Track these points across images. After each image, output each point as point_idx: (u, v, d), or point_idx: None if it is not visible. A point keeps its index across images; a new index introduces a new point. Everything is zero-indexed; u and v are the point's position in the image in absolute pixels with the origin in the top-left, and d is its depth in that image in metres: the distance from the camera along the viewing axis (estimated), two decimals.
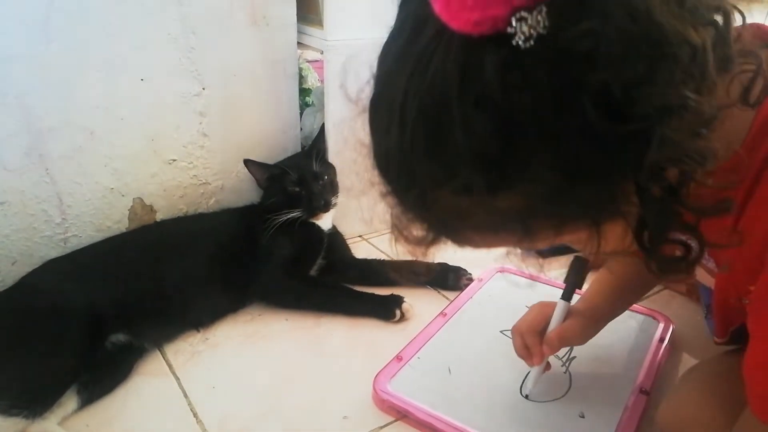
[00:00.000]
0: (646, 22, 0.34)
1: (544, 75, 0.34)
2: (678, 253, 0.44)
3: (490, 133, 0.35)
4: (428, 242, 0.46)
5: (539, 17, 0.33)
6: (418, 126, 0.37)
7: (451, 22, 0.34)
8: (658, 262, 0.43)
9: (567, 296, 0.77)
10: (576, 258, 0.76)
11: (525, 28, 0.33)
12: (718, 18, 0.38)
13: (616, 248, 0.44)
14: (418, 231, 0.45)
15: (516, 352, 0.81)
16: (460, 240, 0.45)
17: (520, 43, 0.33)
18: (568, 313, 0.78)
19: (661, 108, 0.34)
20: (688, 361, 0.93)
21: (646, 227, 0.41)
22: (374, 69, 0.43)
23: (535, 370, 0.81)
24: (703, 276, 0.63)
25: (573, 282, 0.76)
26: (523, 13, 0.33)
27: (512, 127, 0.35)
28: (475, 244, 0.46)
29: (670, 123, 0.35)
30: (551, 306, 0.79)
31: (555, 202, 0.38)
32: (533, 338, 0.79)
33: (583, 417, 0.79)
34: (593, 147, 0.35)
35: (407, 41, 0.38)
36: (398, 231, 0.46)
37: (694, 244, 0.43)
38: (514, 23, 0.33)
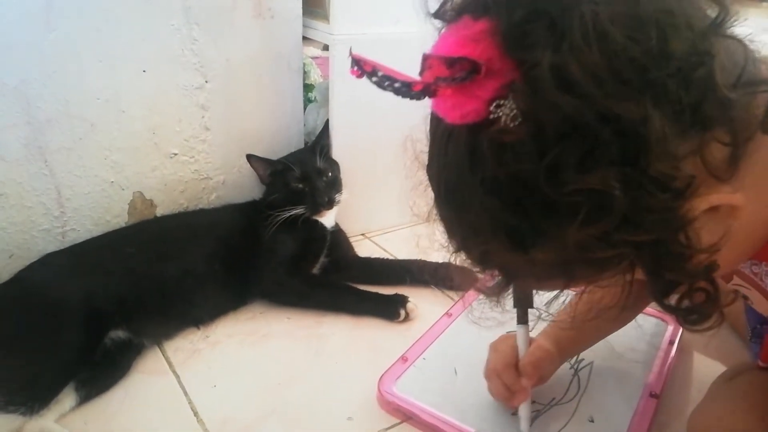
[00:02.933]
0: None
1: (533, 146, 0.36)
2: (698, 299, 0.43)
3: (500, 207, 0.39)
4: (503, 288, 0.49)
5: (513, 101, 0.36)
6: (446, 202, 0.44)
7: (446, 118, 0.39)
8: (682, 315, 0.44)
9: (522, 320, 0.72)
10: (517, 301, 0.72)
11: (507, 111, 0.36)
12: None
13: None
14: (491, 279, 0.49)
15: (496, 397, 0.77)
16: (522, 285, 0.52)
17: (508, 123, 0.36)
18: (535, 338, 0.77)
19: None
20: (698, 365, 0.92)
21: (655, 278, 0.42)
22: None
23: (524, 407, 0.75)
24: (760, 302, 0.60)
25: (523, 303, 0.70)
26: (499, 101, 0.36)
27: (518, 199, 0.38)
28: (536, 288, 0.53)
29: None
30: (513, 337, 0.76)
31: (586, 252, 0.39)
32: (512, 375, 0.75)
33: (592, 421, 0.78)
34: (599, 204, 0.37)
35: (435, 125, 0.43)
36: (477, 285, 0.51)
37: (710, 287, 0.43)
38: (492, 110, 0.36)
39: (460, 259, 0.48)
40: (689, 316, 0.45)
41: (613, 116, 0.35)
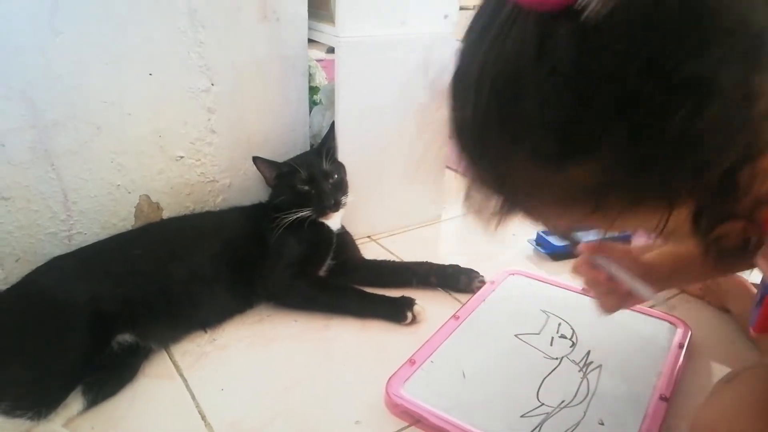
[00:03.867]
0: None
1: (618, 45, 0.34)
2: (736, 241, 0.43)
3: (562, 101, 0.36)
4: (503, 215, 0.46)
5: None
6: (493, 96, 0.39)
7: (523, 1, 0.36)
8: (715, 250, 0.43)
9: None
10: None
11: (594, 2, 0.34)
12: None
13: (677, 230, 0.43)
14: (491, 206, 0.46)
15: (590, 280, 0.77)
16: (534, 213, 0.46)
17: (590, 16, 0.34)
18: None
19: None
20: (707, 367, 0.91)
21: (704, 213, 0.40)
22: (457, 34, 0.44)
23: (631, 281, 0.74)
24: None
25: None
26: None
27: (585, 97, 0.36)
28: (548, 218, 0.47)
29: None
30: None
31: (630, 176, 0.37)
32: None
33: (602, 424, 0.77)
34: (673, 120, 0.35)
35: (488, 18, 0.39)
36: (470, 206, 0.47)
37: (754, 233, 0.42)
38: None
39: (469, 178, 0.45)
40: (728, 257, 0.44)
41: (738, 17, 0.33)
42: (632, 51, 0.34)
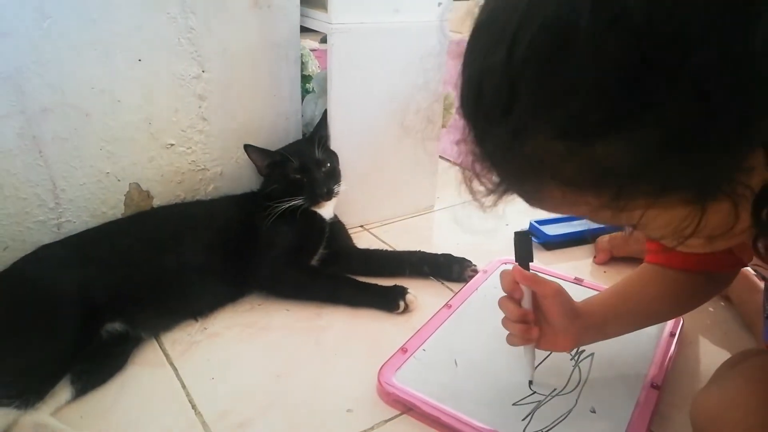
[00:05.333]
0: None
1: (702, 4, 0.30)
2: None
3: (621, 59, 0.31)
4: (499, 195, 0.42)
5: None
6: (535, 43, 0.33)
7: None
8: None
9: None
10: (516, 234, 0.72)
11: None
12: None
13: (713, 232, 0.39)
14: (489, 181, 0.42)
15: (510, 324, 0.75)
16: (535, 196, 0.41)
17: None
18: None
19: None
20: (699, 356, 0.91)
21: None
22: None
23: (527, 350, 0.78)
24: None
25: (522, 260, 0.72)
26: None
27: (646, 58, 0.31)
28: (549, 203, 0.42)
29: None
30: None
31: (665, 159, 0.33)
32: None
33: (594, 412, 0.77)
34: (739, 95, 0.31)
35: None
36: (469, 179, 0.43)
37: None
38: None
39: (462, 147, 0.41)
40: None
41: None
42: (714, 15, 0.30)
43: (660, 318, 0.87)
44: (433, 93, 1.29)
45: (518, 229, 0.72)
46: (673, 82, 0.31)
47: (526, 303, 0.73)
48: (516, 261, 0.72)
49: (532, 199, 0.42)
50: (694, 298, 0.80)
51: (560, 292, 0.72)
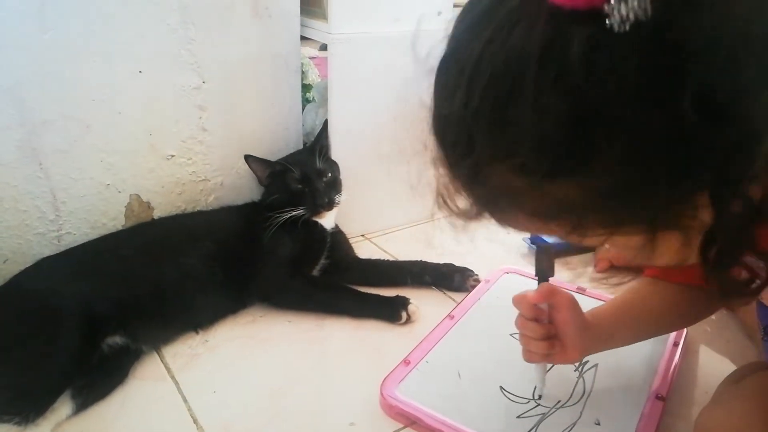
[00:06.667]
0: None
1: (636, 62, 0.31)
2: (743, 276, 0.41)
3: (562, 114, 0.33)
4: (471, 216, 0.44)
5: (643, 2, 0.31)
6: (487, 94, 0.35)
7: None
8: (721, 283, 0.41)
9: None
10: (538, 249, 0.75)
11: (624, 11, 0.31)
12: None
13: (669, 261, 0.42)
14: (462, 203, 0.44)
15: (527, 339, 0.76)
16: (505, 220, 0.44)
17: (615, 24, 0.31)
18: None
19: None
20: (703, 366, 0.91)
21: (715, 244, 0.38)
22: (449, 29, 0.41)
23: (538, 368, 0.78)
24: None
25: (542, 274, 0.73)
26: None
27: (588, 113, 0.33)
28: (520, 227, 0.44)
29: None
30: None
31: (615, 201, 0.36)
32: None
33: (598, 424, 0.76)
34: (675, 149, 0.33)
35: (492, 5, 0.36)
36: (442, 199, 0.45)
37: (761, 268, 0.41)
38: (612, 2, 0.31)
39: (435, 171, 0.44)
40: (730, 287, 0.42)
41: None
42: (653, 71, 0.31)
43: (666, 329, 0.87)
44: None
45: (540, 243, 0.73)
46: (612, 137, 0.33)
47: (545, 318, 0.73)
48: (536, 275, 0.73)
49: (503, 223, 0.45)
50: (696, 309, 0.80)
51: (575, 304, 0.73)
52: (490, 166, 0.38)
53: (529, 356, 0.75)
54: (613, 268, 1.17)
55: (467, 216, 0.45)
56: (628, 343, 0.80)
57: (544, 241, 1.22)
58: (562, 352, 0.74)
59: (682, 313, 0.79)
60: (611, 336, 0.77)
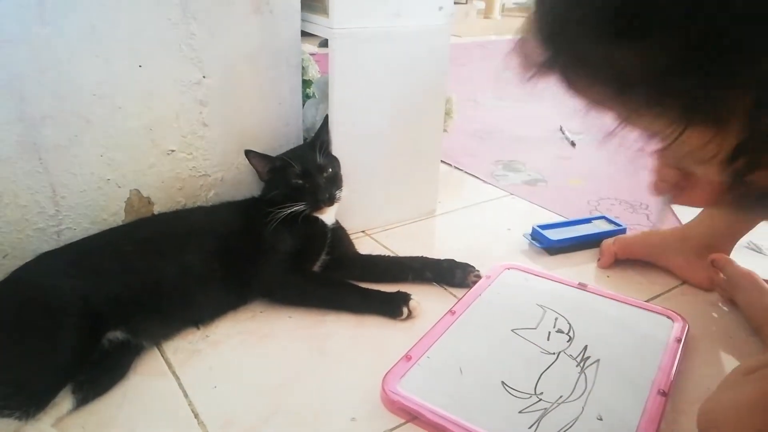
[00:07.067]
0: None
1: None
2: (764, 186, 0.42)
3: None
4: (541, 71, 0.46)
5: None
6: None
7: None
8: (740, 192, 0.43)
9: None
10: None
11: None
12: None
13: (690, 154, 0.43)
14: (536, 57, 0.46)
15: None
16: (568, 76, 0.46)
17: None
18: None
19: None
20: (705, 361, 0.91)
21: (745, 152, 0.39)
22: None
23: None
24: None
25: None
26: None
27: None
28: (591, 96, 0.46)
29: None
30: None
31: (677, 79, 0.37)
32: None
33: (601, 419, 0.76)
34: (743, 34, 0.34)
35: None
36: (518, 52, 0.48)
37: None
38: None
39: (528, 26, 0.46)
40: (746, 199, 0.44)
41: None
42: None
43: None
44: (434, 97, 1.28)
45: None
46: (672, 15, 0.35)
47: None
48: None
49: (576, 88, 0.46)
50: None
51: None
52: (568, 24, 0.41)
53: (656, 186, 0.76)
54: (619, 264, 1.17)
55: (540, 70, 0.46)
56: None
57: (547, 239, 1.22)
58: (695, 191, 0.75)
59: None
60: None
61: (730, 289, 1.03)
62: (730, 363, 0.91)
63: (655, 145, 0.44)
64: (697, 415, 0.68)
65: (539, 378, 0.83)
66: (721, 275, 1.04)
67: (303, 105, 1.28)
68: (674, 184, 0.74)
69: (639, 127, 0.44)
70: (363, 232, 1.30)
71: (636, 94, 0.40)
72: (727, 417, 0.64)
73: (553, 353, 0.88)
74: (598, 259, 1.19)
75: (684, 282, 1.11)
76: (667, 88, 0.38)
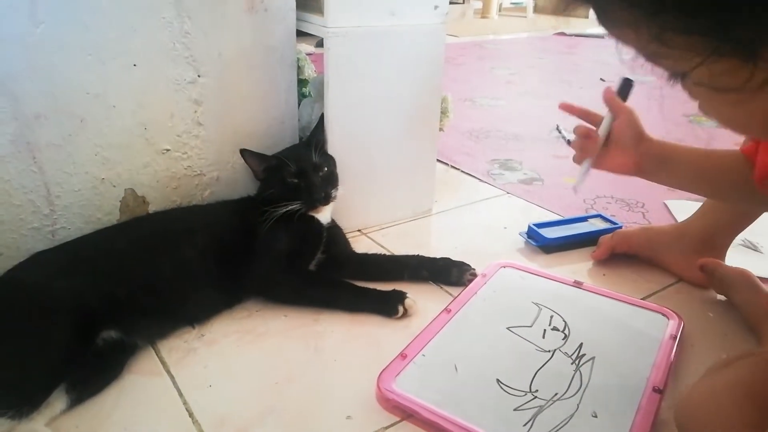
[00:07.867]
0: None
1: None
2: None
3: None
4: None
5: None
6: None
7: None
8: None
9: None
10: (624, 79, 0.89)
11: None
12: None
13: (717, 81, 0.42)
14: None
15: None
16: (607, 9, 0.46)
17: None
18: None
19: None
20: (700, 359, 0.91)
21: None
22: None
23: (585, 163, 0.94)
24: None
25: (621, 94, 0.89)
26: None
27: None
28: (618, 19, 0.45)
29: None
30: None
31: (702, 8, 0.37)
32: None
33: (596, 417, 0.76)
34: None
35: None
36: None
37: None
38: None
39: None
40: None
41: None
42: None
43: (702, 188, 0.94)
44: (429, 96, 1.28)
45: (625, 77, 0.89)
46: None
47: (603, 129, 0.90)
48: (617, 93, 0.89)
49: (604, 15, 0.46)
50: (743, 192, 0.85)
51: (632, 113, 0.88)
52: None
53: (575, 156, 0.93)
54: (614, 263, 1.17)
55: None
56: (675, 184, 0.94)
57: (542, 237, 1.22)
58: (613, 159, 0.85)
59: (732, 182, 0.85)
60: (663, 160, 0.86)
61: (725, 289, 1.03)
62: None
63: (682, 67, 0.43)
64: (675, 410, 0.69)
65: (534, 375, 0.83)
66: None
67: (299, 104, 1.28)
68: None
69: (665, 55, 0.44)
70: (359, 230, 1.30)
71: (668, 15, 0.40)
72: (702, 400, 0.65)
73: (549, 351, 0.89)
74: (593, 252, 1.19)
75: (679, 279, 1.11)
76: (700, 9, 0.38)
